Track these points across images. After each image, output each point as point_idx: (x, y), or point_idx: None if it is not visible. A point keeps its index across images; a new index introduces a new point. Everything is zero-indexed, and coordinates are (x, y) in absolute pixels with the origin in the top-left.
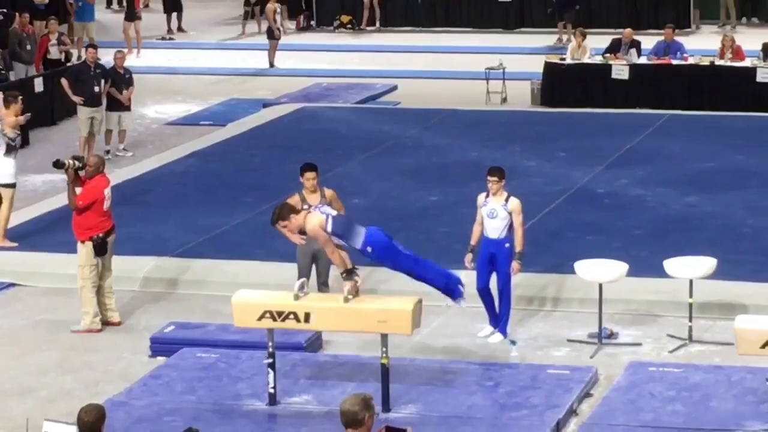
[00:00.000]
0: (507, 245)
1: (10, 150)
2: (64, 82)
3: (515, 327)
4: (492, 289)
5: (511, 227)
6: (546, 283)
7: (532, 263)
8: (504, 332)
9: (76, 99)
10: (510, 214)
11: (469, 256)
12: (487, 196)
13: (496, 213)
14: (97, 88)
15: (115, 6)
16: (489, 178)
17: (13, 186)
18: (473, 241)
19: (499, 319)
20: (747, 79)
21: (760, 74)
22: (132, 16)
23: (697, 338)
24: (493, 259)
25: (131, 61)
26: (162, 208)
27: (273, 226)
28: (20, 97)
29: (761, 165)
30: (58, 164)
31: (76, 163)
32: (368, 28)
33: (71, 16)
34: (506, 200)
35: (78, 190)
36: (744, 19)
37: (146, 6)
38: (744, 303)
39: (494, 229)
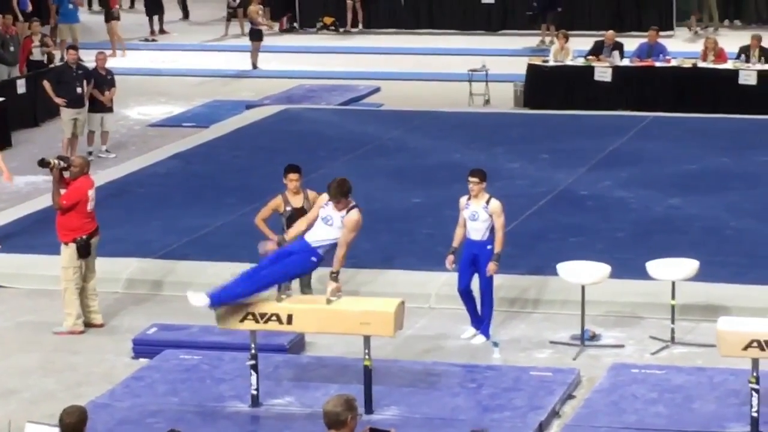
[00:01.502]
0: (489, 247)
1: None
2: (46, 84)
3: (498, 329)
4: (474, 291)
5: (493, 229)
6: (529, 285)
7: (515, 265)
8: (486, 334)
9: (59, 101)
10: (491, 216)
11: (450, 258)
12: (469, 198)
13: (478, 215)
14: (79, 90)
15: (96, 7)
16: (470, 179)
17: None
18: (455, 243)
19: (481, 321)
20: (729, 82)
21: (743, 76)
22: (109, 16)
23: (679, 340)
24: (475, 260)
25: (116, 62)
26: (145, 209)
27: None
28: None
29: (744, 167)
30: (43, 163)
31: (61, 163)
32: (352, 30)
33: (54, 18)
34: (487, 202)
35: (62, 191)
36: (726, 21)
37: (131, 6)
38: (726, 305)
39: (476, 231)
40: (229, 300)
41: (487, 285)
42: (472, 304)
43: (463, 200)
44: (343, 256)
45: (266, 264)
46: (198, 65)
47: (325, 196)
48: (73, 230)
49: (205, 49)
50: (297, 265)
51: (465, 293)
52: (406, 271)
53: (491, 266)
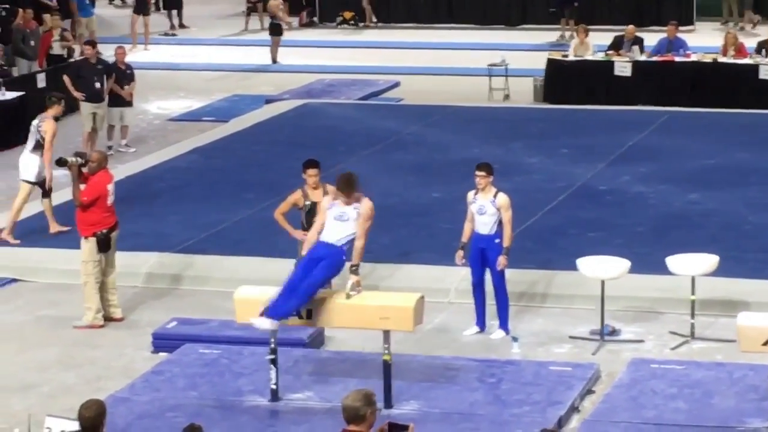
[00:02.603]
0: (497, 241)
1: (37, 147)
2: (65, 78)
3: (517, 323)
4: (487, 285)
5: (500, 223)
6: (548, 280)
7: (534, 260)
8: (506, 328)
9: (78, 95)
10: (499, 209)
11: (459, 253)
12: (476, 192)
13: (485, 209)
14: (98, 84)
15: (117, 1)
16: (477, 173)
17: (33, 184)
18: (464, 238)
19: (499, 316)
20: (749, 77)
21: (763, 71)
22: (142, 9)
23: (699, 335)
24: (484, 254)
25: (137, 56)
26: (164, 204)
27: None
28: (63, 100)
29: (763, 162)
30: (60, 162)
31: (79, 159)
32: (371, 24)
33: (75, 12)
34: (494, 196)
35: (82, 186)
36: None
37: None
38: (746, 300)
39: (484, 225)
40: (286, 315)
41: (499, 279)
42: (482, 300)
43: (470, 195)
44: (362, 247)
45: (301, 275)
46: (218, 60)
47: (326, 200)
48: (93, 224)
49: (224, 44)
50: (332, 268)
51: (477, 288)
52: (425, 266)
53: (501, 260)
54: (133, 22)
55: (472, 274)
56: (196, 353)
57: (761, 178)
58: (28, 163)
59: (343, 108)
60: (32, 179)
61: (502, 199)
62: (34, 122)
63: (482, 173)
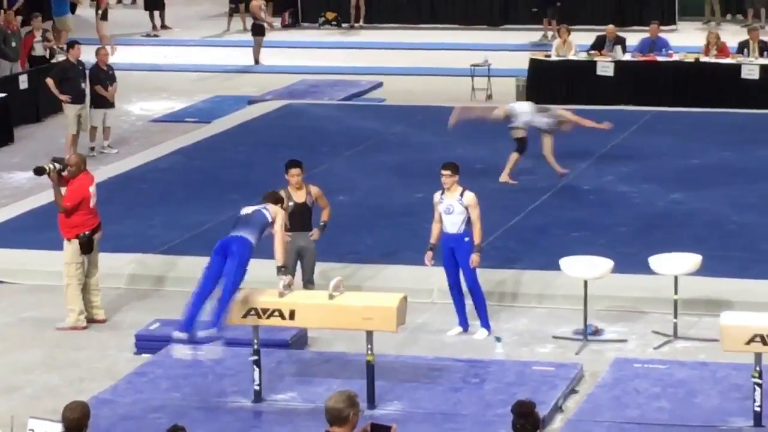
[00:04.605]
0: (466, 239)
1: None
2: (49, 81)
3: (500, 324)
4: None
5: (469, 221)
6: (531, 280)
7: (517, 260)
8: (487, 326)
9: (64, 98)
10: (466, 208)
11: (428, 254)
12: (443, 192)
13: (453, 208)
14: (83, 85)
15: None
16: (442, 172)
17: None
18: (433, 240)
19: (478, 315)
20: (732, 76)
21: (745, 71)
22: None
23: (682, 335)
24: (454, 254)
25: (117, 57)
26: (147, 205)
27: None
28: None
29: (746, 161)
30: (39, 171)
31: (57, 165)
32: (355, 25)
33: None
34: (461, 195)
35: (63, 190)
36: (729, 16)
37: (133, 2)
38: (729, 299)
39: (452, 225)
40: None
41: (472, 278)
42: (460, 300)
43: (437, 195)
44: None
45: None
46: (200, 60)
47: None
48: (75, 226)
49: (207, 45)
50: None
51: (454, 288)
52: (409, 266)
53: (474, 258)
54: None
55: (447, 275)
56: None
57: (744, 178)
58: None
59: (326, 108)
60: None
61: (469, 197)
62: None
63: (447, 172)
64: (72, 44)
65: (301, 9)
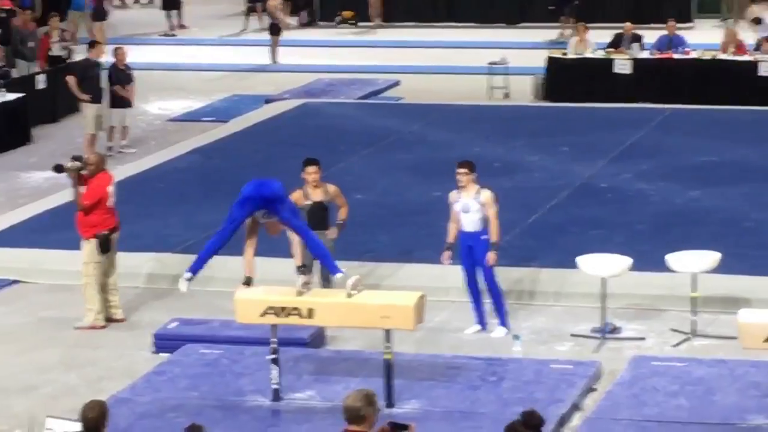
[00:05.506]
0: (483, 237)
1: None
2: (70, 79)
3: (518, 322)
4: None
5: (486, 219)
6: (549, 278)
7: (535, 258)
8: (505, 325)
9: (84, 97)
10: (483, 206)
11: (446, 253)
12: (459, 191)
13: (470, 207)
14: (102, 85)
15: (116, 2)
16: (458, 170)
17: None
18: (450, 239)
19: (496, 314)
20: (749, 73)
21: (762, 68)
22: (100, 16)
23: (700, 332)
24: (472, 252)
25: (135, 56)
26: (165, 204)
27: None
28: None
29: (764, 159)
30: (58, 169)
31: (76, 164)
32: (371, 24)
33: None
34: (477, 193)
35: (82, 189)
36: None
37: (150, 1)
38: (747, 297)
39: (470, 223)
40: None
41: (489, 276)
42: (478, 299)
43: (453, 194)
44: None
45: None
46: (217, 60)
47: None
48: (93, 226)
49: (224, 44)
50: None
51: (472, 286)
52: (426, 265)
53: (491, 256)
54: (96, 29)
55: (465, 273)
56: (197, 353)
57: (762, 175)
58: None
59: (343, 107)
60: None
61: (487, 194)
62: None
63: (464, 170)
64: (93, 44)
65: (319, 8)
